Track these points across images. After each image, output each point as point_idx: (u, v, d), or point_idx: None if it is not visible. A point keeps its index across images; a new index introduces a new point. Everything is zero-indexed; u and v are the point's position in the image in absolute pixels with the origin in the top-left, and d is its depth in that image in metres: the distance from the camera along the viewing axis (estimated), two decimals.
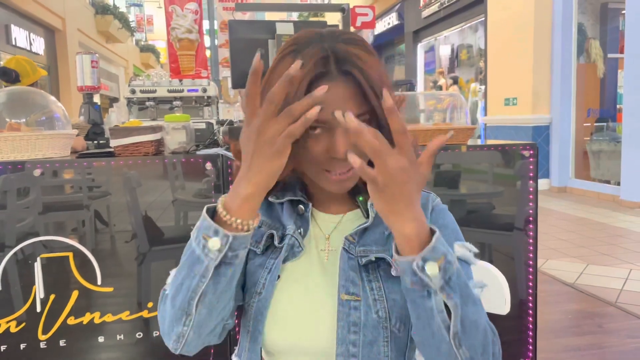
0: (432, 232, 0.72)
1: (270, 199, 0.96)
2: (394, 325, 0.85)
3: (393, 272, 0.86)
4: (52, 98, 1.90)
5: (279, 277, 0.90)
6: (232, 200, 0.75)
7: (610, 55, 7.84)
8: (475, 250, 0.88)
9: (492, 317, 1.20)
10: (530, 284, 2.02)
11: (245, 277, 0.93)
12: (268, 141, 0.71)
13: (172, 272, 0.85)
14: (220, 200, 0.77)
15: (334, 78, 0.81)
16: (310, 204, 0.95)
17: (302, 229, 0.93)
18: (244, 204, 0.74)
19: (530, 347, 2.04)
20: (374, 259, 0.88)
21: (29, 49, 11.34)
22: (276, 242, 0.92)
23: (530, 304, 2.02)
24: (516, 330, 2.04)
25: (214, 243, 0.74)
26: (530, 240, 2.01)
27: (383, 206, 0.71)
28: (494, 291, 1.13)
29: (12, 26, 10.63)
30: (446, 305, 0.73)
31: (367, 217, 0.91)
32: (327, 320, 0.86)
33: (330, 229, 0.95)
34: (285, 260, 0.91)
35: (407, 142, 0.67)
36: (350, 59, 0.81)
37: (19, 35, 10.95)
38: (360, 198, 0.92)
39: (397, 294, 0.85)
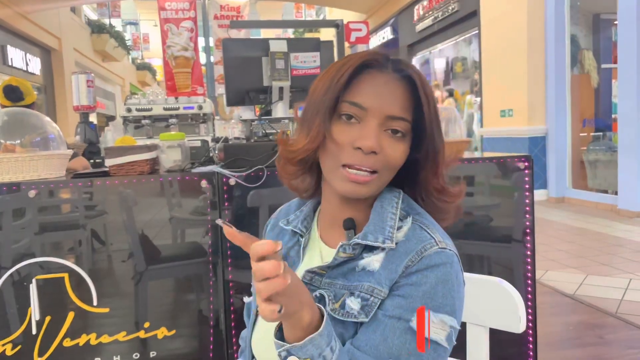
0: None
1: (281, 224, 1.00)
2: None
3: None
4: (47, 119, 1.90)
5: (256, 316, 0.94)
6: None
7: (603, 66, 7.89)
8: (454, 326, 0.80)
9: (492, 330, 1.19)
10: (530, 296, 2.01)
11: None
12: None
13: None
14: None
15: (387, 70, 0.84)
16: (306, 238, 0.96)
17: (295, 263, 0.94)
18: None
19: None
20: (318, 294, 0.85)
21: (25, 69, 11.39)
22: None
23: (530, 317, 2.01)
24: (516, 343, 2.02)
25: None
26: (528, 252, 2.00)
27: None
28: (507, 309, 1.11)
29: (8, 47, 10.68)
30: None
31: (348, 252, 0.86)
32: None
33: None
34: None
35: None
36: (409, 68, 0.85)
37: (15, 55, 11.00)
38: (350, 234, 0.89)
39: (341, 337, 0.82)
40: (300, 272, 0.92)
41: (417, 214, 0.89)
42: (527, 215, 1.99)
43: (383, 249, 0.83)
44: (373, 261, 0.83)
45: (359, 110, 0.82)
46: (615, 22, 6.78)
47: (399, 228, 0.85)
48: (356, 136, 0.82)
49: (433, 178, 0.88)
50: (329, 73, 0.86)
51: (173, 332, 1.82)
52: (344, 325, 0.81)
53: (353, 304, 0.81)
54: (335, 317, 0.82)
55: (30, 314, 1.72)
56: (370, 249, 0.85)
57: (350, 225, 0.89)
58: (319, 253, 0.94)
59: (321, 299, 0.85)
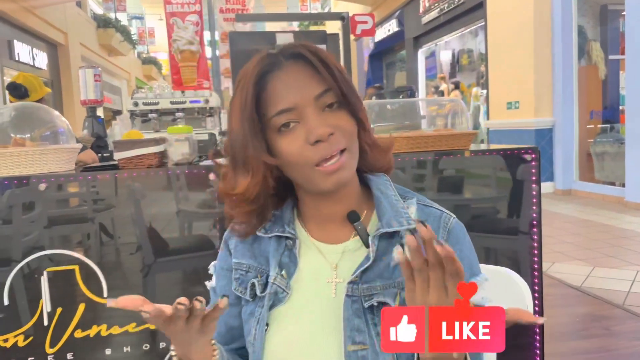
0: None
1: (258, 232, 0.93)
2: None
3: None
4: (56, 113, 1.92)
5: (267, 326, 0.88)
6: None
7: (611, 57, 7.83)
8: (487, 278, 0.84)
9: None
10: (537, 287, 2.02)
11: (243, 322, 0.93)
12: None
13: None
14: None
15: (282, 63, 0.84)
16: (298, 240, 0.92)
17: (290, 268, 0.90)
18: None
19: (538, 352, 2.03)
20: (376, 303, 0.84)
21: (32, 64, 11.42)
22: (258, 292, 0.90)
23: (537, 308, 2.02)
24: (523, 335, 2.03)
25: None
26: (535, 244, 2.00)
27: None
28: (515, 298, 1.12)
29: (15, 42, 10.71)
30: None
31: (367, 246, 0.87)
32: None
33: (336, 259, 0.90)
34: (272, 307, 0.89)
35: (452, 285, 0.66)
36: (296, 48, 0.85)
37: (22, 50, 11.03)
38: (359, 226, 0.88)
39: None
40: (313, 277, 0.89)
41: (409, 192, 0.93)
42: (534, 207, 1.99)
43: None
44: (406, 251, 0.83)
45: (290, 114, 0.82)
46: (623, 13, 6.73)
47: (407, 208, 0.88)
48: (306, 134, 0.81)
49: (364, 133, 0.89)
50: (235, 103, 0.85)
51: None
52: None
53: None
54: None
55: (42, 306, 1.74)
56: (388, 239, 0.86)
57: (357, 217, 0.88)
58: (317, 252, 0.91)
59: (384, 306, 0.83)
